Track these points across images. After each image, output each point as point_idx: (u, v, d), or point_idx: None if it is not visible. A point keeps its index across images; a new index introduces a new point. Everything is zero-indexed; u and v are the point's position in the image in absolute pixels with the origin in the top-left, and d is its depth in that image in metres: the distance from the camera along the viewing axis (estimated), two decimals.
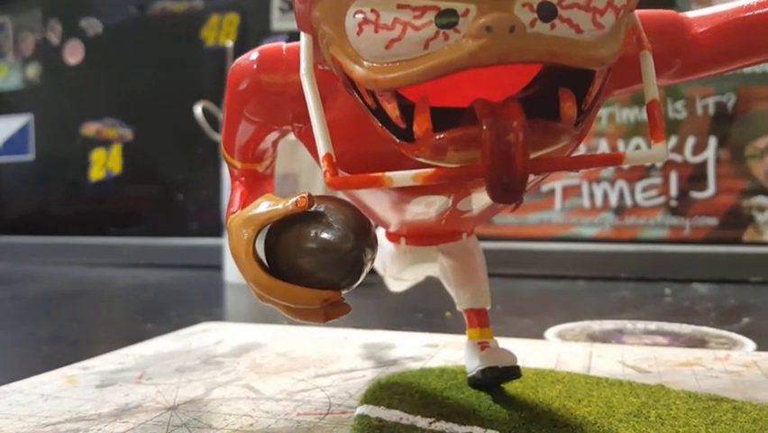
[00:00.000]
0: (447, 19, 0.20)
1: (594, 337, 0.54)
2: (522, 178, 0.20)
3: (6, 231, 1.45)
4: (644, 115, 0.99)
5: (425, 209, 0.31)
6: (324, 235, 0.25)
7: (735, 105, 0.96)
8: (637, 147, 0.99)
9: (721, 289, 0.85)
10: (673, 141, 0.98)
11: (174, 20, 1.29)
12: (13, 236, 1.43)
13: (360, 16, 0.21)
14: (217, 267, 1.00)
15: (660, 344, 0.51)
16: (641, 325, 0.59)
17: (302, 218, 0.26)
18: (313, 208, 0.26)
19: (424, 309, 0.67)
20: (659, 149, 0.22)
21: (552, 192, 1.05)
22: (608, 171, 1.02)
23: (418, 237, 0.37)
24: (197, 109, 0.99)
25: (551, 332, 0.56)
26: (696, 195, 0.98)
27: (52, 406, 0.33)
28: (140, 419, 0.31)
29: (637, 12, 0.28)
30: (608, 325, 0.59)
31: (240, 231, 0.27)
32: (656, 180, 1.00)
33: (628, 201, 1.01)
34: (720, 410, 0.30)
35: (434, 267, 0.38)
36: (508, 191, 0.20)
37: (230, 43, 1.10)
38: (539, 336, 0.54)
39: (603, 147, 1.02)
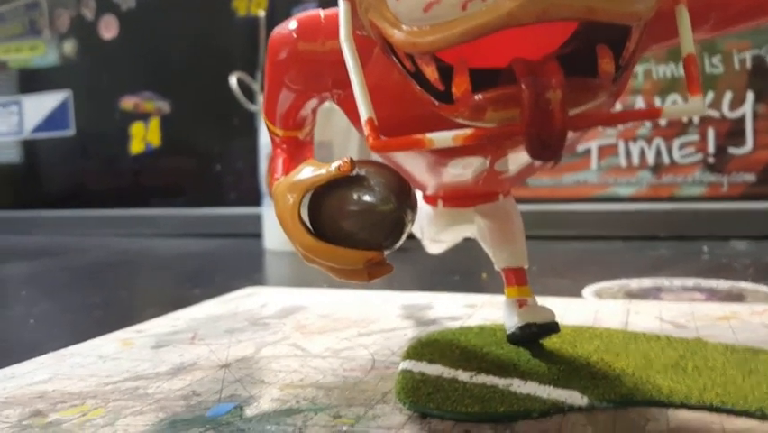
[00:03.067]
0: None
1: (632, 295, 0.54)
2: (561, 134, 0.20)
3: (50, 205, 1.49)
4: (681, 71, 0.98)
5: (463, 171, 0.32)
6: (367, 198, 0.26)
7: None
8: (674, 103, 0.97)
9: (759, 245, 0.85)
10: (710, 96, 0.96)
11: None
12: (57, 210, 1.48)
13: None
14: (256, 235, 1.02)
15: (697, 300, 0.51)
16: (678, 282, 0.59)
17: (344, 182, 0.27)
18: (354, 173, 0.27)
19: (460, 272, 0.67)
20: (696, 102, 0.22)
21: (587, 152, 1.04)
22: (644, 129, 1.01)
23: (455, 199, 0.37)
24: (232, 80, 1.01)
25: (588, 290, 0.56)
26: (733, 151, 0.96)
27: (111, 366, 0.35)
28: (196, 376, 0.33)
29: None
30: (646, 282, 0.59)
31: (285, 196, 0.28)
32: (693, 137, 0.98)
33: (665, 159, 1.00)
34: (757, 361, 0.30)
35: (471, 228, 0.39)
36: (548, 148, 0.21)
37: (262, 13, 1.10)
38: (576, 294, 0.55)
39: (639, 104, 1.00)
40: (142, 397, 0.30)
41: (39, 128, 1.48)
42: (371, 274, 0.28)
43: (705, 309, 0.44)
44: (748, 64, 0.95)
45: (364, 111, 0.23)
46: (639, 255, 0.83)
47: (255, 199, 1.06)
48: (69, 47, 1.42)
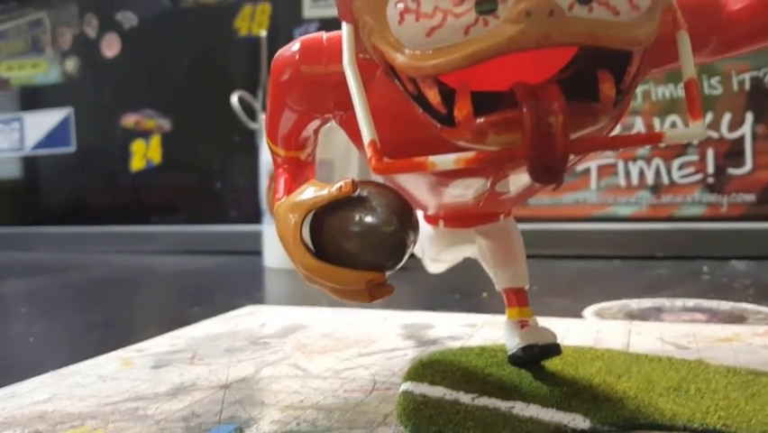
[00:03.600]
0: (487, 5, 0.20)
1: (632, 315, 0.54)
2: (562, 158, 0.21)
3: (50, 222, 1.49)
4: (680, 92, 0.98)
5: (464, 191, 0.32)
6: (368, 219, 0.26)
7: None
8: (673, 124, 0.98)
9: (759, 265, 0.85)
10: (709, 117, 0.97)
11: (207, 11, 1.31)
12: (58, 226, 1.48)
13: (401, 5, 0.21)
14: (256, 252, 1.02)
15: (698, 320, 0.51)
16: (679, 302, 0.59)
17: (346, 203, 0.27)
18: (356, 193, 0.27)
19: (461, 291, 0.67)
20: (697, 127, 0.22)
21: (587, 171, 1.05)
22: (644, 150, 1.01)
23: (456, 219, 0.37)
24: (234, 98, 1.01)
25: (589, 311, 0.56)
26: (733, 171, 0.97)
27: (111, 386, 0.35)
28: (195, 396, 0.32)
29: None
30: (646, 303, 0.59)
31: (287, 216, 0.28)
32: (693, 158, 0.99)
33: (665, 179, 1.00)
34: (759, 384, 0.30)
35: (472, 248, 0.39)
36: (549, 172, 0.21)
37: (263, 33, 1.11)
38: (577, 315, 0.55)
39: (638, 125, 1.01)
40: (142, 418, 0.30)
41: (40, 145, 1.49)
42: (373, 295, 0.28)
43: (706, 331, 0.44)
44: (747, 85, 0.95)
45: (367, 134, 0.23)
46: (638, 275, 0.83)
47: (255, 217, 1.06)
48: (72, 65, 1.43)
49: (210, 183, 1.32)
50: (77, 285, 0.89)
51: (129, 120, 1.39)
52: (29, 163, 1.53)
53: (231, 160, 1.29)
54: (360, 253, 0.26)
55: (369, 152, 0.23)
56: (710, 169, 0.98)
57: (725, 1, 0.28)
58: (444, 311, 0.55)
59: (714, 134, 0.97)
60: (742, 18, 0.28)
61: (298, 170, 0.33)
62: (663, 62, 0.28)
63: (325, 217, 0.27)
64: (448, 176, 0.30)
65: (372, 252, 0.26)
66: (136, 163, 1.40)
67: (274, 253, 0.93)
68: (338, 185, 0.27)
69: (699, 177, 0.98)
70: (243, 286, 0.82)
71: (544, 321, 0.36)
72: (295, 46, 0.30)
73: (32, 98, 1.50)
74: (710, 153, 0.97)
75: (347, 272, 0.27)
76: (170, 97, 1.36)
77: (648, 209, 1.01)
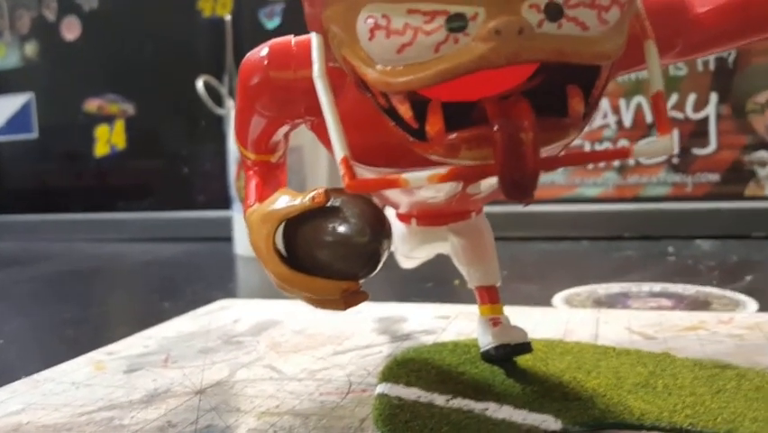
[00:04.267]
0: (456, 23, 0.20)
1: (600, 302, 0.55)
2: (533, 175, 0.21)
3: (13, 210, 1.46)
4: (645, 74, 0.99)
5: (435, 194, 0.32)
6: (341, 229, 0.26)
7: (735, 60, 0.96)
8: (638, 106, 0.99)
9: (724, 244, 0.87)
10: (674, 98, 0.98)
11: None
12: (21, 214, 1.45)
13: (371, 21, 0.21)
14: (227, 239, 1.01)
15: (664, 307, 0.52)
16: (646, 287, 0.60)
17: (319, 213, 0.27)
18: (329, 203, 0.27)
19: (433, 279, 0.68)
20: (665, 141, 0.23)
21: None
22: (609, 131, 1.02)
23: (428, 218, 0.38)
24: (199, 83, 0.99)
25: (558, 298, 0.57)
26: (697, 151, 0.98)
27: (85, 394, 0.35)
28: (170, 404, 0.32)
29: None
30: (614, 288, 0.60)
31: (259, 226, 0.28)
32: None
33: (631, 160, 1.02)
34: (724, 378, 0.31)
35: (444, 246, 0.39)
36: (520, 188, 0.21)
37: (228, 16, 1.09)
38: (546, 302, 0.56)
39: (605, 106, 1.02)
40: (118, 429, 0.30)
41: (1, 131, 1.45)
42: (347, 303, 0.28)
43: (673, 319, 0.45)
44: (711, 66, 0.97)
45: (339, 151, 0.23)
46: (606, 257, 0.84)
47: (224, 202, 1.05)
48: (31, 48, 1.39)
49: (177, 169, 1.31)
50: (43, 277, 0.87)
51: (92, 105, 1.36)
52: None
53: (197, 145, 1.28)
54: (333, 264, 0.26)
55: (341, 169, 0.23)
56: (675, 150, 0.99)
57: (690, 3, 0.29)
58: (418, 301, 0.55)
59: (679, 115, 0.98)
60: (708, 21, 0.29)
61: (269, 173, 0.33)
62: (630, 65, 0.29)
63: (299, 227, 0.27)
64: None
65: (346, 262, 0.26)
66: (100, 149, 1.38)
67: (245, 241, 0.92)
68: (311, 195, 0.27)
69: (663, 157, 1.00)
70: (214, 277, 0.82)
71: (514, 311, 0.37)
72: (263, 51, 0.30)
73: None
74: (675, 134, 0.99)
75: (321, 282, 0.27)
76: (134, 81, 1.33)
77: (614, 190, 1.03)
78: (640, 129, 1.00)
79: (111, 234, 1.30)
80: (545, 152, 0.23)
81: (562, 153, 0.23)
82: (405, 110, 0.22)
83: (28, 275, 0.90)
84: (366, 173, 0.31)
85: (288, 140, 0.33)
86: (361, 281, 0.28)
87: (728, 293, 0.56)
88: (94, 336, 0.48)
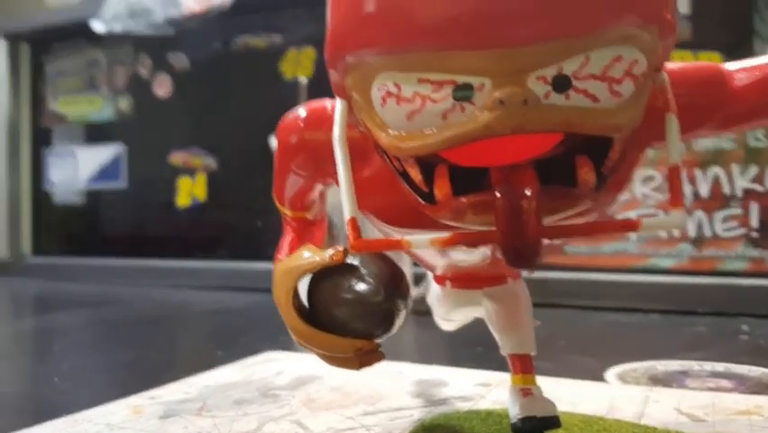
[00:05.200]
0: (463, 93, 0.21)
1: (656, 380, 0.52)
2: (534, 244, 0.21)
3: (100, 253, 1.54)
4: (724, 143, 0.96)
5: (465, 256, 0.32)
6: (357, 288, 0.26)
7: None
8: (716, 177, 0.96)
9: None
10: (754, 170, 0.94)
11: (255, 54, 1.35)
12: (105, 258, 1.52)
13: (383, 89, 0.22)
14: None
15: (723, 388, 0.49)
16: (708, 366, 0.57)
17: (339, 269, 0.27)
18: (349, 260, 0.27)
19: (484, 343, 0.66)
20: (677, 216, 0.22)
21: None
22: (685, 201, 0.99)
23: (463, 280, 0.37)
24: (272, 141, 1.03)
25: (611, 372, 0.55)
26: None
27: None
28: None
29: (678, 65, 0.28)
30: (674, 366, 0.57)
31: (281, 280, 0.29)
32: (736, 211, 0.96)
33: (707, 232, 0.98)
34: None
35: (480, 310, 0.39)
36: (522, 256, 0.21)
37: (304, 79, 1.14)
38: (599, 376, 0.54)
39: (681, 176, 0.99)
40: None
41: (93, 179, 1.54)
42: (362, 363, 0.28)
43: (728, 401, 0.42)
44: None
45: (348, 211, 0.24)
46: (675, 332, 0.80)
47: None
48: (125, 103, 1.49)
49: (251, 221, 1.35)
50: (112, 320, 0.91)
51: (177, 158, 1.43)
52: (80, 197, 1.58)
53: (270, 199, 1.31)
54: (348, 322, 0.27)
55: (348, 229, 0.23)
56: (754, 223, 0.95)
57: (730, 75, 0.28)
58: (465, 366, 0.54)
59: (759, 188, 0.94)
60: (746, 94, 0.28)
61: (305, 229, 0.34)
62: (663, 138, 0.28)
63: (319, 282, 0.28)
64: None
65: (361, 320, 0.27)
66: (182, 200, 1.44)
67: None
68: (330, 252, 0.27)
69: (742, 231, 0.95)
70: (271, 328, 0.83)
71: (561, 384, 0.36)
72: (300, 112, 0.31)
73: (87, 134, 1.56)
74: (755, 207, 0.95)
75: (336, 339, 0.27)
76: (217, 137, 1.40)
77: (689, 262, 0.99)
78: (717, 200, 0.96)
79: (185, 281, 1.35)
80: (555, 221, 0.22)
81: (567, 223, 0.22)
82: (415, 173, 0.23)
83: (100, 317, 0.94)
84: (395, 234, 0.32)
85: (324, 198, 0.34)
86: (378, 341, 0.28)
87: None
88: (143, 380, 0.49)
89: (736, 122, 0.29)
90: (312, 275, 0.28)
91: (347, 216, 0.24)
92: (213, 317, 0.97)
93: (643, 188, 1.02)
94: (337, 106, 0.26)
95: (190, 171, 1.43)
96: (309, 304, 0.28)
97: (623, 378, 0.53)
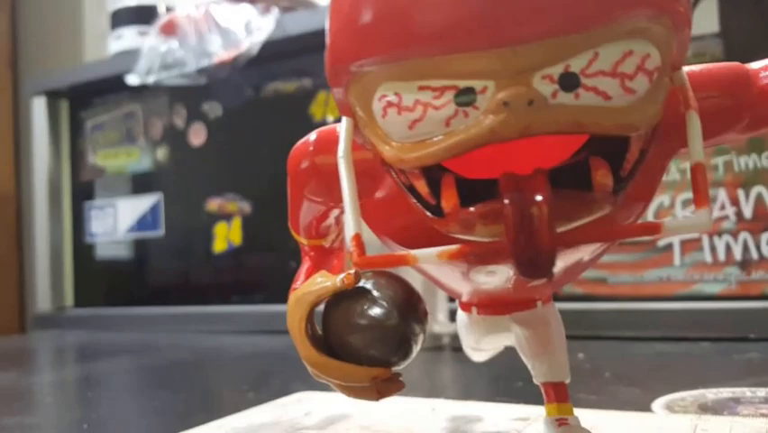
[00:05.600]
0: (465, 97, 0.20)
1: (706, 408, 0.49)
2: (548, 252, 0.19)
3: (140, 303, 1.55)
4: (764, 162, 0.93)
5: (488, 279, 0.31)
6: (370, 312, 0.25)
7: None
8: (759, 196, 0.92)
9: None
10: None
11: (285, 99, 1.37)
12: (147, 307, 1.53)
13: (384, 100, 0.21)
14: None
15: None
16: (761, 392, 0.53)
17: (351, 294, 0.26)
18: (362, 284, 0.26)
19: (524, 377, 0.64)
20: (702, 216, 0.21)
21: (669, 247, 1.00)
22: (729, 223, 0.95)
23: (490, 306, 0.36)
24: None
25: (659, 402, 0.52)
26: None
27: None
28: None
29: (701, 67, 0.27)
30: (724, 393, 0.54)
31: (294, 309, 0.28)
32: None
33: (754, 254, 0.94)
34: None
35: (511, 337, 0.37)
36: (535, 266, 0.20)
37: (331, 119, 1.14)
38: (646, 407, 0.51)
39: (722, 197, 0.96)
40: None
41: (131, 229, 1.56)
42: (381, 393, 0.27)
43: None
44: None
45: (352, 227, 0.23)
46: (726, 359, 0.77)
47: None
48: (162, 153, 1.52)
49: (285, 262, 1.35)
50: (147, 367, 0.91)
51: (213, 204, 1.45)
52: (120, 248, 1.61)
53: None
54: (363, 348, 0.26)
55: (351, 245, 0.22)
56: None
57: (756, 75, 0.27)
58: (502, 400, 0.52)
59: None
60: None
61: (323, 257, 0.33)
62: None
63: (332, 309, 0.27)
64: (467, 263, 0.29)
65: (375, 346, 0.25)
66: (219, 245, 1.45)
67: None
68: (341, 276, 0.26)
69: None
70: (304, 368, 0.82)
71: (604, 414, 0.34)
72: (311, 137, 0.30)
73: (126, 186, 1.59)
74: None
75: (352, 368, 0.26)
76: (251, 181, 1.41)
77: (738, 287, 0.95)
78: (761, 220, 0.93)
79: (222, 326, 1.35)
80: (572, 228, 0.21)
81: (583, 229, 0.21)
82: (421, 186, 0.22)
83: (136, 364, 0.94)
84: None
85: (340, 224, 0.34)
86: (396, 369, 0.26)
87: None
88: (172, 424, 0.48)
89: (764, 124, 0.28)
90: (326, 302, 0.27)
91: (351, 232, 0.23)
92: (246, 360, 0.96)
93: (684, 213, 0.99)
94: (342, 124, 0.25)
95: (226, 217, 1.44)
96: (323, 332, 0.27)
97: (671, 408, 0.50)
